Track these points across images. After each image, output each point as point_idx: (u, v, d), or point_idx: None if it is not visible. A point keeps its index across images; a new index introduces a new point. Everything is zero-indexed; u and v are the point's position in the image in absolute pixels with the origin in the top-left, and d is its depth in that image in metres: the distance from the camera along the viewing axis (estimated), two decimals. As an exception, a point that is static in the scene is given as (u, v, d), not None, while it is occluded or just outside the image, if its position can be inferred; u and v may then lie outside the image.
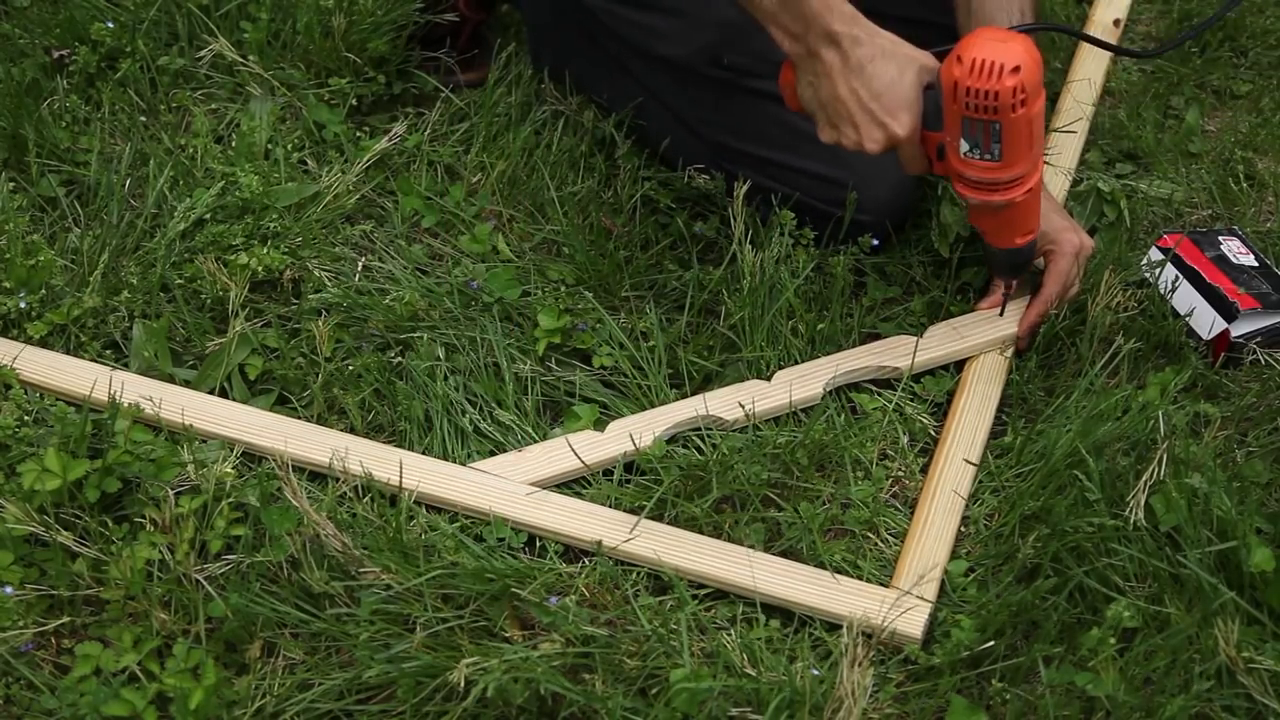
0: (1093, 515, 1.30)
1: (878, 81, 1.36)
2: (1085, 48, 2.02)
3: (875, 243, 1.59)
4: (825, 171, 1.57)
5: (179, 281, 1.61)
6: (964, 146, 1.37)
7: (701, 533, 1.35)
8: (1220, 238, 1.63)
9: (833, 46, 1.36)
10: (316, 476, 1.41)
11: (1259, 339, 1.53)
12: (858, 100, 1.37)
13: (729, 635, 1.24)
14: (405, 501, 1.34)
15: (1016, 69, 1.30)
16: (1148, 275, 1.60)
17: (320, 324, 1.54)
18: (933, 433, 1.48)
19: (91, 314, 1.56)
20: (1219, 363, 1.53)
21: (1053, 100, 1.93)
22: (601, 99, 1.82)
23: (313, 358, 1.52)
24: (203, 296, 1.59)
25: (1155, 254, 1.62)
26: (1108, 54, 2.02)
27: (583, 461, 1.40)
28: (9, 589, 1.25)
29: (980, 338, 1.54)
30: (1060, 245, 1.53)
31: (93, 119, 1.84)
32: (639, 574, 1.32)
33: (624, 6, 1.67)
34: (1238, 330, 1.52)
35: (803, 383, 1.48)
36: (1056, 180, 1.75)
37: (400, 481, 1.35)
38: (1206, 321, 1.54)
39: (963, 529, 1.37)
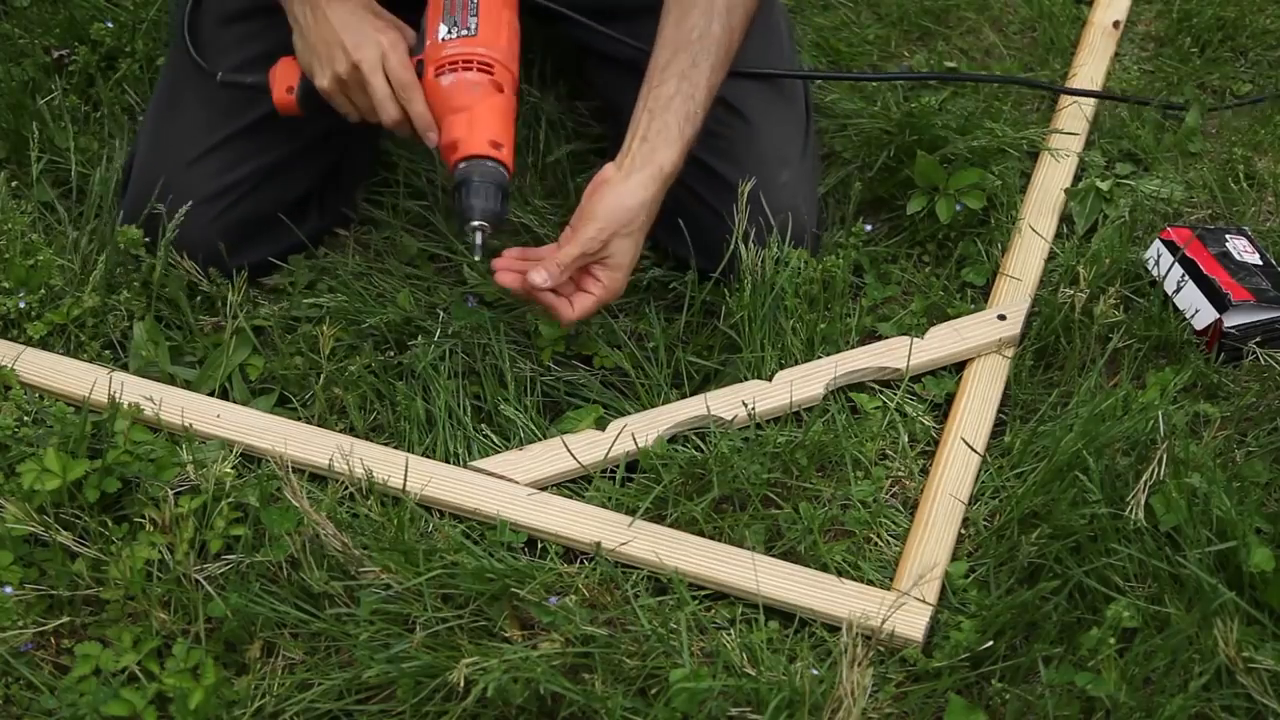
0: (1092, 514, 1.30)
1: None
2: (1085, 48, 2.01)
3: (868, 227, 1.58)
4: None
5: (178, 280, 1.60)
6: (442, 31, 1.46)
7: (702, 533, 1.35)
8: (1227, 235, 1.63)
9: None
10: (317, 478, 1.41)
11: (1257, 336, 1.53)
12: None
13: (729, 635, 1.24)
14: (408, 503, 1.34)
15: None
16: (1152, 269, 1.59)
17: (322, 326, 1.53)
18: (933, 433, 1.48)
19: (91, 314, 1.56)
20: (1215, 356, 1.52)
21: (1053, 99, 1.93)
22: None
23: (313, 358, 1.52)
24: (201, 296, 1.59)
25: (1157, 248, 1.62)
26: (1108, 54, 2.02)
27: (579, 462, 1.40)
28: (9, 589, 1.25)
29: (980, 339, 1.54)
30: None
31: (92, 119, 1.84)
32: (639, 574, 1.32)
33: None
34: (1230, 321, 1.51)
35: (804, 383, 1.48)
36: (1057, 179, 1.76)
37: (404, 484, 1.35)
38: (1202, 313, 1.54)
39: (963, 530, 1.37)
